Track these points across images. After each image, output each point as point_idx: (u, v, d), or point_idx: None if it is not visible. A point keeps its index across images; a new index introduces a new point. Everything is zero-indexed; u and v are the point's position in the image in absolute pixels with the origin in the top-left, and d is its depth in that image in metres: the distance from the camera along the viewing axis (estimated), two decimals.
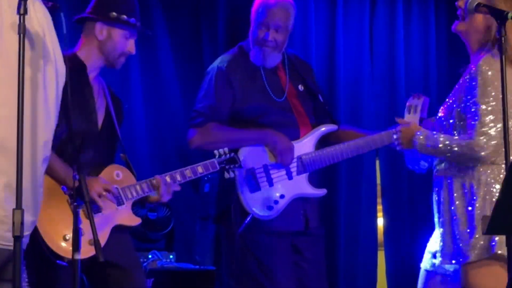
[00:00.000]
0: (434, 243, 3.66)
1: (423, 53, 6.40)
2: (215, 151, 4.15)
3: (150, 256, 5.23)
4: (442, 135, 3.61)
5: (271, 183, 4.37)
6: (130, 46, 4.09)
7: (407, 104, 3.98)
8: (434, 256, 3.67)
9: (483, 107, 3.42)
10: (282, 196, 4.35)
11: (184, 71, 5.94)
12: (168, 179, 4.06)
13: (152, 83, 5.87)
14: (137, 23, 4.09)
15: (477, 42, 3.63)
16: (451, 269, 3.60)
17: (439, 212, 3.70)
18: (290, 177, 4.36)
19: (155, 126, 5.94)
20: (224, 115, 4.31)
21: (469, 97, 3.53)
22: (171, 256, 5.37)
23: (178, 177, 4.08)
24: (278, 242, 4.39)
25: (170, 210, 5.45)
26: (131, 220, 4.09)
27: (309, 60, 5.39)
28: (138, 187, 4.08)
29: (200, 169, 4.14)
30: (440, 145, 3.61)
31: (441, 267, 3.62)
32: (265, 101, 4.39)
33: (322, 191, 4.43)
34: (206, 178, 5.30)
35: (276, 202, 4.37)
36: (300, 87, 4.43)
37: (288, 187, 4.39)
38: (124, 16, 4.05)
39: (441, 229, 3.63)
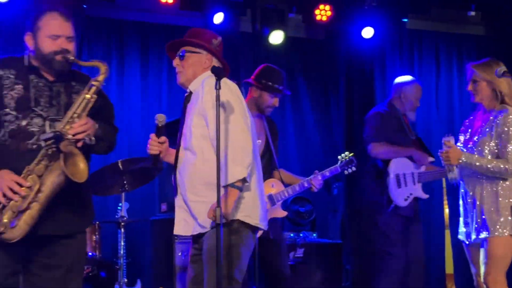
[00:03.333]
0: (469, 222, 4.45)
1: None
2: (338, 157, 5.37)
3: (301, 235, 6.50)
4: (484, 157, 4.36)
5: (407, 184, 5.70)
6: (275, 102, 5.10)
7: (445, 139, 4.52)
8: (468, 233, 4.52)
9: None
10: (411, 194, 5.74)
11: (320, 113, 7.89)
12: (319, 177, 5.17)
13: (296, 123, 7.78)
14: (283, 89, 5.09)
15: (490, 102, 4.51)
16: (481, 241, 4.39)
17: (474, 202, 4.42)
18: (415, 183, 5.77)
19: (301, 145, 7.74)
20: (385, 138, 5.70)
21: (503, 135, 4.35)
22: (314, 234, 6.67)
23: (319, 177, 5.19)
24: (406, 223, 5.75)
25: (312, 205, 6.88)
26: (281, 213, 5.18)
27: None
28: (285, 192, 5.10)
29: (327, 172, 5.28)
30: (486, 163, 4.32)
31: (476, 239, 4.44)
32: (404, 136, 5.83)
33: (426, 196, 5.87)
34: (334, 186, 6.91)
35: (408, 197, 5.71)
36: None
37: (414, 189, 5.79)
38: (276, 85, 5.07)
39: (475, 212, 4.40)
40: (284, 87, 5.13)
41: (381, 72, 7.98)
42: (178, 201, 3.88)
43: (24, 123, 3.40)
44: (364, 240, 7.45)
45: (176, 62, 3.95)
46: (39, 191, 3.26)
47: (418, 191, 5.83)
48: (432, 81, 8.06)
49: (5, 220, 3.21)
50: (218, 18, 6.93)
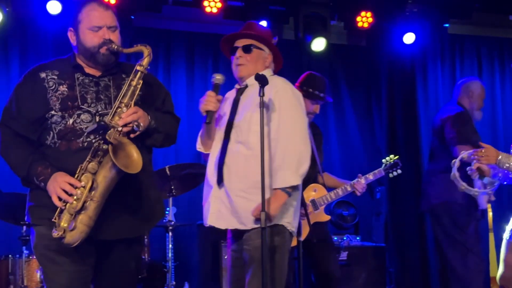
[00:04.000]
0: None
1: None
2: (383, 160, 5.36)
3: (345, 238, 6.52)
4: None
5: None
6: (315, 109, 5.08)
7: None
8: None
9: None
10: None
11: (363, 118, 7.91)
12: (362, 181, 5.18)
13: (339, 128, 7.80)
14: (324, 96, 5.08)
15: None
16: None
17: None
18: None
19: (343, 150, 7.79)
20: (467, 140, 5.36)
21: None
22: (357, 238, 6.65)
23: (363, 181, 5.21)
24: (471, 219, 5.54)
25: (356, 209, 6.89)
26: (324, 218, 5.16)
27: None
28: (328, 197, 5.08)
29: (370, 176, 5.28)
30: None
31: None
32: (478, 137, 5.49)
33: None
34: (377, 189, 7.07)
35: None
36: None
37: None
38: (316, 92, 5.09)
39: None
40: (326, 94, 5.16)
41: (423, 77, 7.99)
42: (216, 192, 3.79)
43: (71, 121, 3.25)
44: (407, 242, 7.62)
45: (239, 53, 3.91)
46: (92, 188, 3.12)
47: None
48: None
49: (64, 224, 3.10)
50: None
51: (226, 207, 3.75)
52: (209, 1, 6.90)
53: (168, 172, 5.68)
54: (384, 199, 7.61)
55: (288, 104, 3.78)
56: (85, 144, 3.23)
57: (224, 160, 3.76)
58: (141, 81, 3.27)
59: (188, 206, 6.81)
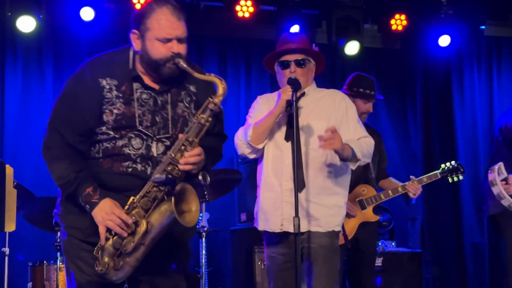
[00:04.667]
0: None
1: None
2: (442, 164, 5.28)
3: (380, 244, 6.45)
4: None
5: None
6: (369, 107, 5.16)
7: None
8: None
9: None
10: None
11: (397, 123, 7.92)
12: (416, 182, 5.11)
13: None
14: (374, 94, 5.16)
15: None
16: None
17: None
18: None
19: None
20: None
21: None
22: (393, 243, 6.70)
23: (416, 183, 5.11)
24: None
25: (391, 215, 6.77)
26: (372, 217, 5.11)
27: None
28: (377, 197, 5.04)
29: (425, 179, 5.20)
30: None
31: None
32: None
33: None
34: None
35: None
36: None
37: None
38: (367, 91, 5.15)
39: None
40: (376, 91, 5.22)
41: (459, 80, 7.94)
42: (287, 197, 3.87)
43: (120, 143, 3.06)
44: (444, 248, 7.55)
45: (293, 68, 4.02)
46: (146, 232, 2.97)
47: None
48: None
49: (106, 260, 2.99)
50: (294, 30, 6.97)
51: (300, 210, 3.74)
52: (241, 6, 6.97)
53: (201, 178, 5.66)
54: (420, 204, 7.59)
55: (352, 110, 4.07)
56: (129, 170, 3.06)
57: (300, 165, 3.85)
58: (210, 119, 3.05)
59: (221, 212, 6.83)
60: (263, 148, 4.01)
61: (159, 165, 3.03)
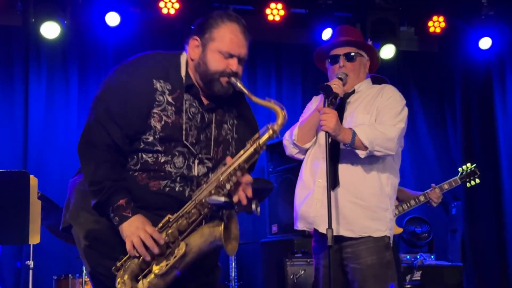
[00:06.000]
0: None
1: None
2: (459, 168, 5.32)
3: (418, 257, 6.56)
4: None
5: None
6: None
7: None
8: None
9: None
10: None
11: (436, 128, 7.90)
12: (437, 190, 5.08)
13: (411, 138, 7.70)
14: None
15: None
16: None
17: None
18: None
19: (415, 162, 7.77)
20: None
21: None
22: (432, 256, 6.71)
23: (437, 190, 5.10)
24: None
25: (430, 226, 6.96)
26: (396, 230, 4.68)
27: None
28: (399, 208, 5.03)
29: (446, 185, 5.20)
30: None
31: None
32: None
33: None
34: (453, 205, 7.05)
35: None
36: None
37: None
38: None
39: None
40: None
41: (501, 84, 7.85)
42: (319, 195, 3.75)
43: (163, 159, 2.93)
44: (486, 261, 7.54)
45: (343, 62, 3.88)
46: (184, 255, 2.83)
47: None
48: None
49: (127, 278, 2.84)
50: (327, 34, 6.97)
51: (333, 212, 3.64)
52: (272, 9, 6.95)
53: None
54: (460, 215, 7.56)
55: (393, 99, 3.87)
56: (167, 189, 2.94)
57: (337, 165, 3.74)
58: (265, 147, 2.94)
59: (251, 223, 6.84)
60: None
61: (203, 187, 2.90)
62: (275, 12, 6.97)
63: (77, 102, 6.82)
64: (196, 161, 2.99)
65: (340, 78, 3.77)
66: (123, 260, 2.87)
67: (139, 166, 2.94)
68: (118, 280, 2.84)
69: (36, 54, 6.87)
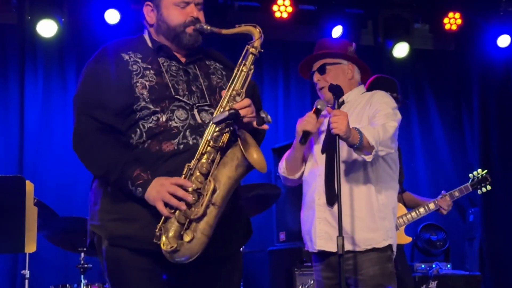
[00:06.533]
0: None
1: None
2: (470, 175, 5.31)
3: (433, 266, 6.42)
4: None
5: None
6: None
7: None
8: None
9: None
10: None
11: (452, 130, 7.80)
12: (447, 197, 5.10)
13: (425, 141, 7.72)
14: (396, 95, 4.91)
15: None
16: None
17: None
18: None
19: (430, 166, 7.74)
20: None
21: None
22: (448, 266, 6.57)
23: (448, 198, 5.11)
24: None
25: (446, 234, 6.87)
26: (405, 239, 5.12)
27: None
28: (408, 216, 5.04)
29: (456, 193, 5.20)
30: None
31: None
32: None
33: None
34: (470, 211, 6.96)
35: None
36: None
37: None
38: (388, 92, 4.87)
39: None
40: (399, 94, 5.10)
41: None
42: (321, 213, 3.80)
43: (164, 118, 2.91)
44: (505, 270, 7.57)
45: (316, 77, 3.96)
46: (214, 191, 2.80)
47: None
48: None
49: (172, 235, 2.76)
50: (337, 32, 7.01)
51: (334, 228, 3.69)
52: (279, 5, 7.00)
53: None
54: (478, 222, 7.50)
55: (383, 101, 3.88)
56: (181, 147, 2.90)
57: (333, 180, 3.73)
58: (253, 67, 2.96)
59: (258, 231, 6.72)
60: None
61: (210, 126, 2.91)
62: (282, 9, 7.01)
63: None
64: (195, 110, 2.98)
65: (318, 109, 3.79)
66: (158, 227, 2.78)
67: (145, 136, 2.92)
68: (163, 241, 2.75)
69: (32, 54, 6.81)
